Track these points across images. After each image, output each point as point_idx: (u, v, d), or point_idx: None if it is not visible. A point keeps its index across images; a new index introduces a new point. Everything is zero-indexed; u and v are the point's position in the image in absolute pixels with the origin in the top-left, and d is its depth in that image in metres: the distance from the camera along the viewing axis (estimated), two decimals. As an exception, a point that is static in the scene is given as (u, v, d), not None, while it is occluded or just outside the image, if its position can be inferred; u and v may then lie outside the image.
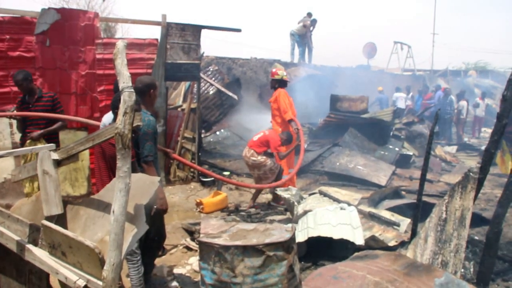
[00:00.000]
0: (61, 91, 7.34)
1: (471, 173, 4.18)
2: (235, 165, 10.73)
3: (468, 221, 4.09)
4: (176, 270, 5.18)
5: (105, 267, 2.29)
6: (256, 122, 14.72)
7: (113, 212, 2.29)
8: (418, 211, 4.89)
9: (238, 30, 9.13)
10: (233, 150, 12.12)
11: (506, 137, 8.92)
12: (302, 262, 5.35)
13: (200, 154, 9.19)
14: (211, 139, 12.82)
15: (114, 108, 4.13)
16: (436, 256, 4.14)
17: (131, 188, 2.48)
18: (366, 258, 4.26)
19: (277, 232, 3.21)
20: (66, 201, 2.94)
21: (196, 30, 8.45)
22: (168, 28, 8.13)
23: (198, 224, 6.47)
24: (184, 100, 9.85)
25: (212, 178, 9.06)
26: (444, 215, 4.22)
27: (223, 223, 6.37)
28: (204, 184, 8.93)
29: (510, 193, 4.62)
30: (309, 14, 18.71)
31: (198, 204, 7.56)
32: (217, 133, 13.09)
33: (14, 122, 6.46)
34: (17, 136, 7.10)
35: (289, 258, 3.06)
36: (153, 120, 4.22)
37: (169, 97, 9.76)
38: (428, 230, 4.30)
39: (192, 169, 9.16)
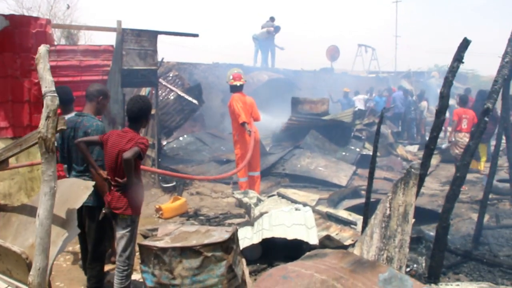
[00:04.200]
0: (13, 99, 7.20)
1: (412, 169, 4.27)
2: (198, 170, 10.70)
3: (411, 216, 4.18)
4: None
5: (31, 272, 2.28)
6: (220, 126, 14.77)
7: (38, 216, 2.28)
8: (367, 209, 4.98)
9: (196, 35, 9.13)
10: (197, 156, 12.07)
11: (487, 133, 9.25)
12: (258, 264, 5.38)
13: (160, 159, 9.14)
14: (174, 145, 12.75)
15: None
16: (381, 252, 4.22)
17: (65, 192, 2.48)
18: (315, 257, 4.31)
19: (217, 233, 3.24)
20: (-1, 208, 2.90)
21: (152, 36, 8.42)
22: (124, 34, 8.06)
23: (156, 230, 6.45)
24: (144, 106, 9.78)
25: (173, 184, 9.06)
26: (388, 212, 4.31)
27: (184, 226, 6.37)
28: (164, 190, 8.89)
29: (457, 188, 4.76)
30: (272, 19, 18.83)
31: (158, 210, 7.53)
32: (180, 138, 13.03)
33: None
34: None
35: (229, 258, 3.09)
36: (101, 124, 4.21)
37: (128, 104, 9.68)
38: (373, 226, 4.38)
39: (152, 175, 9.12)
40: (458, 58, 4.27)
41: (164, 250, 2.98)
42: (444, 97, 4.30)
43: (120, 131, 3.87)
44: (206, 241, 3.04)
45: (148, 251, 3.09)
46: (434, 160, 12.08)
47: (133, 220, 3.78)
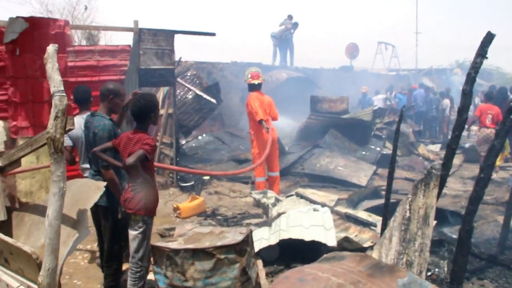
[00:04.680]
0: (34, 100, 7.27)
1: (433, 170, 4.14)
2: (217, 169, 10.67)
3: (431, 219, 4.05)
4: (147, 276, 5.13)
5: (40, 272, 2.26)
6: (239, 125, 14.73)
7: (47, 216, 2.25)
8: (387, 210, 4.86)
9: (213, 34, 9.08)
10: (215, 155, 12.06)
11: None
12: (275, 265, 5.30)
13: (178, 159, 9.13)
14: (193, 144, 12.76)
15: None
16: (400, 256, 4.09)
17: (76, 193, 2.45)
18: (332, 260, 4.22)
19: (231, 235, 3.18)
20: (11, 208, 2.90)
21: (169, 35, 8.41)
22: (141, 34, 8.07)
23: (173, 229, 6.43)
24: (163, 106, 9.81)
25: (192, 183, 9.05)
26: (408, 214, 4.18)
27: (198, 227, 6.35)
28: (183, 189, 8.88)
29: (481, 189, 4.58)
30: (290, 17, 18.76)
31: (175, 209, 7.52)
32: (199, 137, 13.03)
33: None
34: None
35: (242, 261, 3.03)
36: (108, 124, 4.19)
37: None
38: (392, 229, 4.26)
39: (171, 174, 9.12)
40: (482, 53, 4.10)
41: (176, 251, 2.93)
42: (466, 95, 4.16)
43: (129, 133, 3.85)
44: (219, 243, 2.99)
45: (160, 252, 3.05)
46: (457, 160, 11.81)
47: (145, 222, 3.73)
